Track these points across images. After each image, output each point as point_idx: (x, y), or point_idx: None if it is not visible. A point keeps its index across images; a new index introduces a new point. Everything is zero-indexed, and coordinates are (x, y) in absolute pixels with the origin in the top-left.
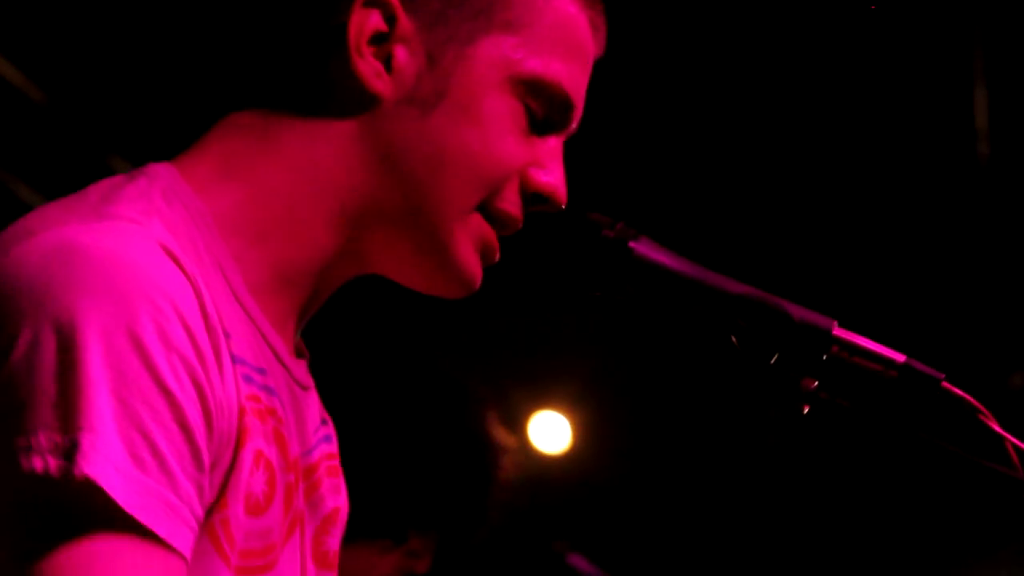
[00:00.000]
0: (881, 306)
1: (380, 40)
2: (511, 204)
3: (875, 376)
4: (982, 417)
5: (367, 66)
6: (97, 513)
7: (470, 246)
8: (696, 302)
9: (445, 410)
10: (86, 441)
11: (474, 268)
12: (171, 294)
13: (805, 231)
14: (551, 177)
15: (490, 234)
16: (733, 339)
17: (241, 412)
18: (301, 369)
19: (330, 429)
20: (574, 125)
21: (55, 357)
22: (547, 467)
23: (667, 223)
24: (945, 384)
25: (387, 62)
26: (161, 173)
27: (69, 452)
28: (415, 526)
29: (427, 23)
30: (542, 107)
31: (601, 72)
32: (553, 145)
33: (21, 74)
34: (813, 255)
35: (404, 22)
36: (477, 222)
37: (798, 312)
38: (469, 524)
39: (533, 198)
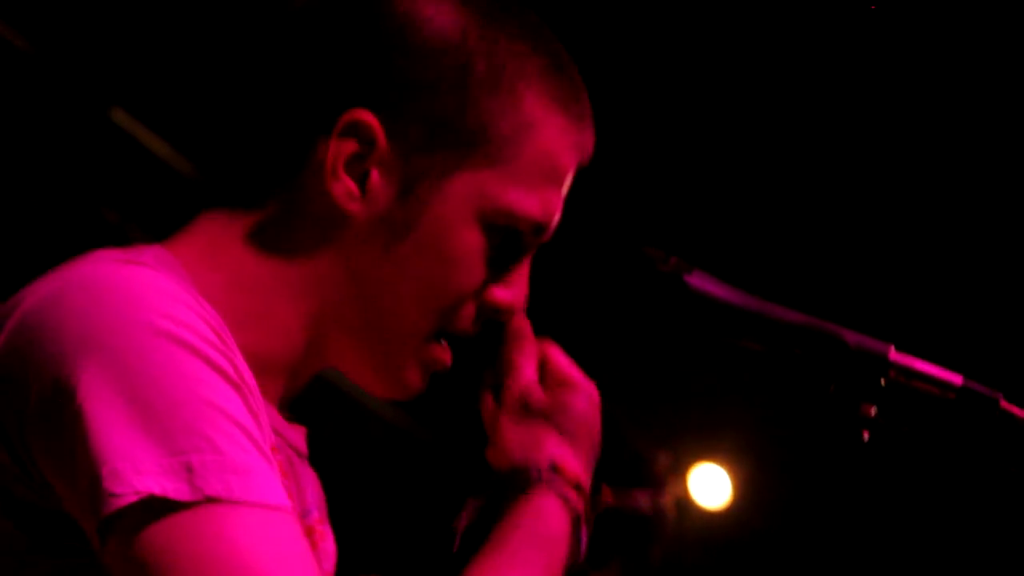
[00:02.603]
0: (939, 325)
1: (358, 159)
2: (465, 323)
3: (934, 399)
4: None
5: (340, 187)
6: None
7: (415, 369)
8: (752, 333)
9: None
10: (196, 461)
11: (416, 385)
12: (201, 313)
13: (854, 255)
14: (512, 295)
15: (441, 352)
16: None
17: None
18: (298, 436)
19: (323, 499)
20: (546, 239)
21: (109, 389)
22: (708, 522)
23: (718, 254)
24: (1004, 404)
25: (362, 181)
26: (152, 251)
27: (189, 472)
28: None
29: (407, 150)
30: (513, 238)
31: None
32: (522, 266)
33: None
34: (865, 279)
35: (383, 146)
36: (426, 350)
37: (854, 338)
38: None
39: (489, 311)
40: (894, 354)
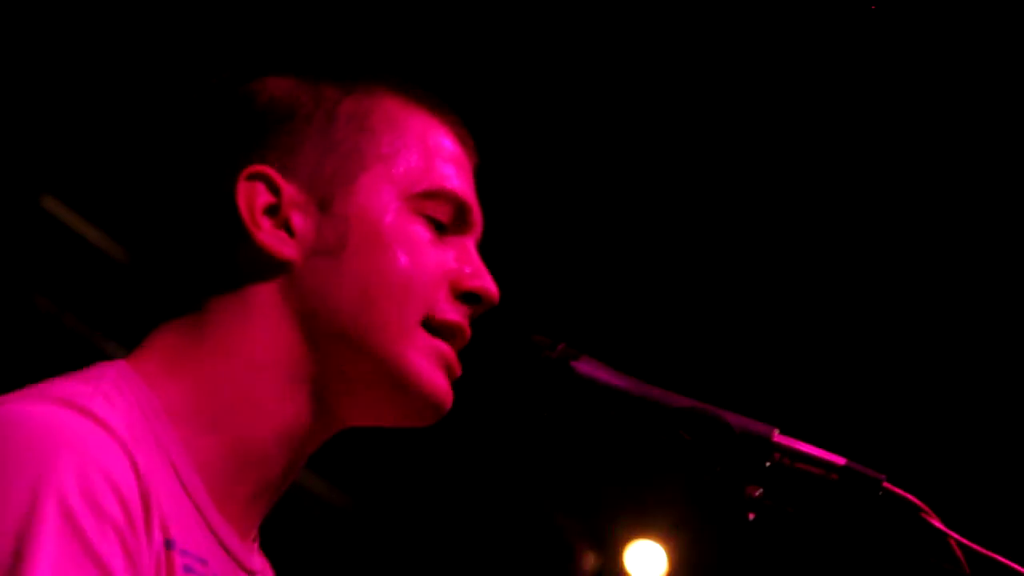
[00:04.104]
0: (824, 408)
1: (272, 211)
2: (450, 312)
3: (817, 480)
4: (924, 515)
5: (268, 236)
6: None
7: (425, 361)
8: (639, 417)
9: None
10: None
11: (437, 381)
12: (104, 465)
13: (742, 339)
14: (477, 279)
15: (443, 347)
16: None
17: None
18: (250, 554)
19: None
20: (478, 228)
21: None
22: None
23: (606, 338)
24: (886, 484)
25: (287, 228)
26: (112, 368)
27: None
28: None
29: (306, 180)
30: (441, 213)
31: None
32: (468, 245)
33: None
34: (751, 362)
35: (287, 187)
36: (423, 338)
37: (738, 421)
38: None
39: (467, 298)
40: (777, 436)
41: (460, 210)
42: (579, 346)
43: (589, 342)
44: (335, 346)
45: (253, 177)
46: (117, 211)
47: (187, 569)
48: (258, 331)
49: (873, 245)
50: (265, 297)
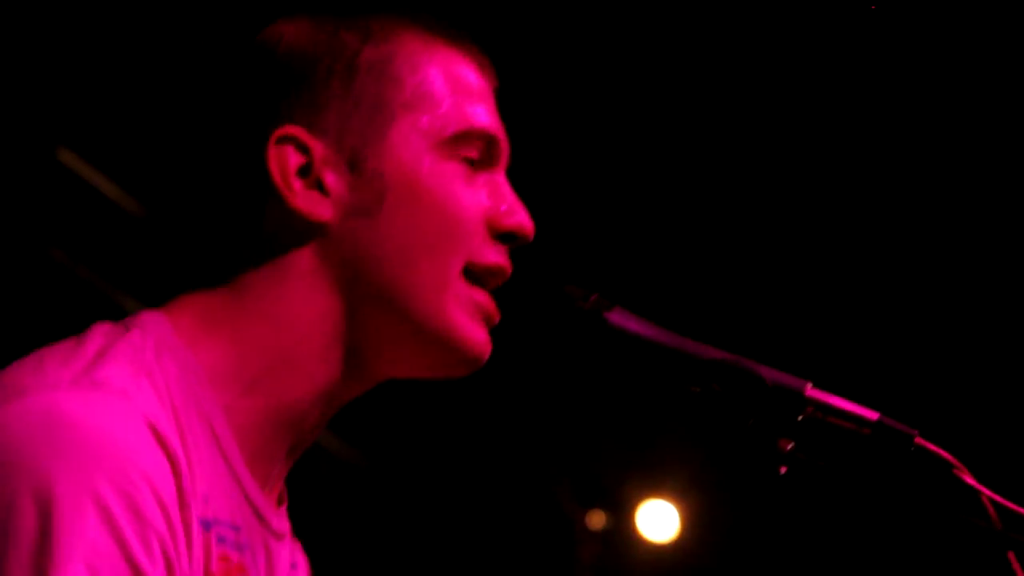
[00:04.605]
0: (858, 363)
1: (304, 172)
2: (491, 254)
3: (849, 434)
4: (957, 472)
5: (303, 199)
6: None
7: (466, 315)
8: (671, 368)
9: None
10: None
11: (477, 335)
12: (147, 470)
13: (776, 289)
14: (514, 216)
15: (481, 296)
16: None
17: None
18: (278, 517)
19: (301, 571)
20: (506, 157)
21: (32, 525)
22: (655, 555)
23: (640, 289)
24: (919, 440)
25: (320, 188)
26: (154, 325)
27: None
28: None
29: (336, 138)
30: (472, 152)
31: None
32: (500, 180)
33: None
34: (785, 314)
35: (317, 146)
36: (464, 289)
37: (771, 375)
38: None
39: (504, 237)
40: (810, 390)
41: (489, 144)
42: (612, 296)
43: (621, 292)
44: (375, 306)
45: (283, 140)
46: (132, 164)
47: (220, 539)
48: (295, 293)
49: (911, 196)
50: (302, 259)
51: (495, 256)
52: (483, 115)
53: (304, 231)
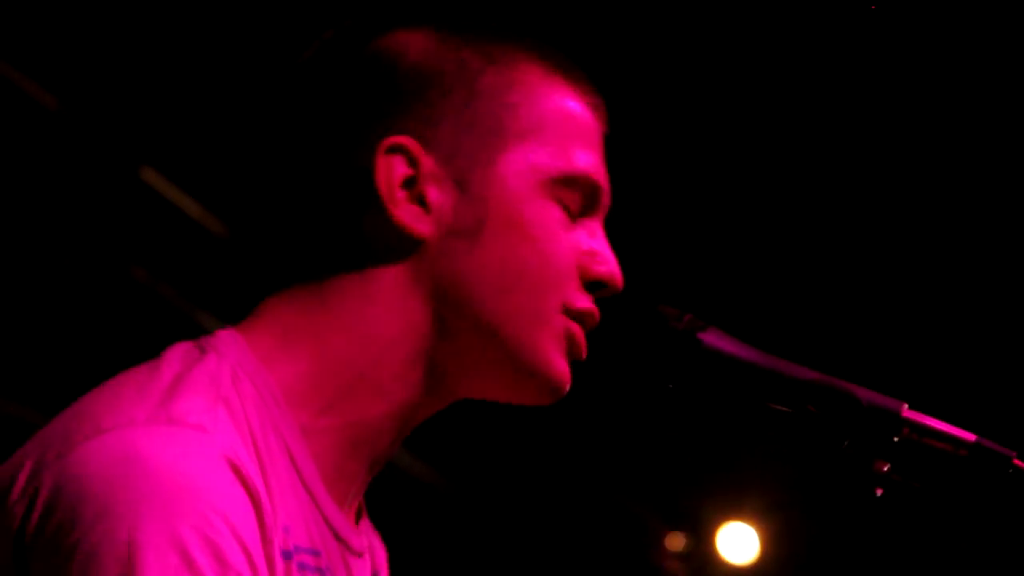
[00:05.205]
0: (954, 385)
1: (410, 182)
2: (580, 300)
3: (946, 456)
4: None
5: (405, 212)
6: None
7: (557, 350)
8: (765, 389)
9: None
10: None
11: (563, 370)
12: (227, 511)
13: (870, 313)
14: (605, 265)
15: (576, 329)
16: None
17: None
18: (357, 535)
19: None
20: (607, 206)
21: (115, 572)
22: None
23: (732, 312)
24: (1016, 461)
25: (421, 203)
26: (229, 347)
27: None
28: None
29: (445, 156)
30: (575, 199)
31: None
32: (595, 229)
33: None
34: (879, 337)
35: (427, 161)
36: (562, 320)
37: (867, 396)
38: None
39: (592, 287)
40: (907, 411)
41: (593, 193)
42: (706, 317)
43: (715, 313)
44: (464, 330)
45: (394, 149)
46: (215, 184)
47: (301, 567)
48: (383, 309)
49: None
50: (393, 274)
51: (585, 302)
52: (590, 161)
53: (399, 245)
